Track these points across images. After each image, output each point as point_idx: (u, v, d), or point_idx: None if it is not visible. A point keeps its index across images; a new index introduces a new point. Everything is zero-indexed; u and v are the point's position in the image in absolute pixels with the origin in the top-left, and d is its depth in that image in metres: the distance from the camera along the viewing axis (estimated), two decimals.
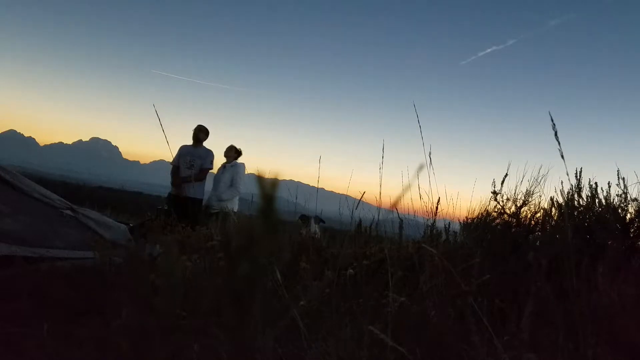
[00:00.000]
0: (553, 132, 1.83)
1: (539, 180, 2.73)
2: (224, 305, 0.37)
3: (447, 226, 2.87)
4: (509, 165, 2.73)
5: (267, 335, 1.18)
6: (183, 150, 6.04)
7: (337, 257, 2.40)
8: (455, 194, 2.94)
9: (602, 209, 2.30)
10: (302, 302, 1.43)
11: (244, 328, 0.37)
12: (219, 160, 6.30)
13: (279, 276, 1.47)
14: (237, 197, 6.19)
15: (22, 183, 3.29)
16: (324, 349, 1.37)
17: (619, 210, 2.28)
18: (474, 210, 2.92)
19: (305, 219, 6.37)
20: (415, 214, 2.81)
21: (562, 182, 2.51)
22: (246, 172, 6.27)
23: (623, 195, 2.32)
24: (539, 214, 2.66)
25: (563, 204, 2.43)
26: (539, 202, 2.71)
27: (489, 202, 2.80)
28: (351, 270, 2.03)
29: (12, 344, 1.77)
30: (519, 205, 2.73)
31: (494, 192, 2.75)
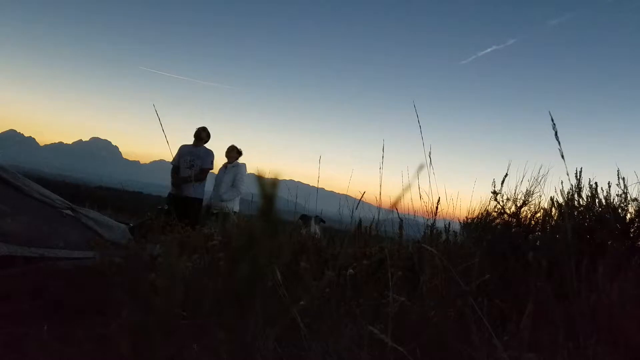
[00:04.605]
0: (553, 132, 1.83)
1: (539, 180, 2.73)
2: (224, 305, 0.37)
3: (447, 226, 2.86)
4: (509, 165, 2.73)
5: (267, 335, 1.18)
6: (183, 150, 6.04)
7: (337, 257, 2.40)
8: (455, 194, 2.94)
9: (602, 209, 2.30)
10: (302, 302, 1.43)
11: (244, 328, 0.37)
12: (219, 160, 6.31)
13: (279, 276, 1.47)
14: (239, 198, 6.19)
15: (22, 183, 3.29)
16: (324, 349, 1.37)
17: (619, 210, 2.28)
18: (474, 210, 2.93)
19: (305, 219, 6.37)
20: (415, 214, 2.81)
21: (562, 182, 2.51)
22: (247, 172, 6.27)
23: (623, 195, 2.32)
24: (539, 214, 2.65)
25: (563, 204, 2.42)
26: (539, 202, 2.71)
27: (489, 202, 2.80)
28: (351, 270, 2.03)
29: (12, 344, 1.77)
30: (519, 205, 2.73)
31: (494, 192, 2.75)
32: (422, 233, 2.84)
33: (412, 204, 2.75)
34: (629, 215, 2.29)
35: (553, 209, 2.51)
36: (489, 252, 2.24)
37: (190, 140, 6.17)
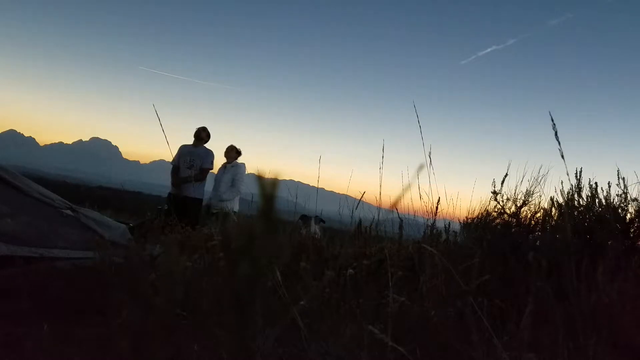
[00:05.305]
0: (553, 132, 1.84)
1: (539, 180, 2.73)
2: (224, 305, 0.37)
3: (447, 226, 2.86)
4: (509, 165, 2.73)
5: (267, 335, 1.18)
6: (183, 150, 6.04)
7: (337, 257, 2.40)
8: (455, 194, 2.94)
9: (602, 209, 2.30)
10: (302, 302, 1.43)
11: (244, 328, 0.37)
12: (219, 160, 6.31)
13: (279, 276, 1.47)
14: (238, 197, 6.19)
15: (22, 183, 3.29)
16: (324, 349, 1.37)
17: (619, 210, 2.28)
18: (474, 210, 2.92)
19: (305, 219, 6.36)
20: (415, 214, 2.81)
21: (562, 182, 2.51)
22: (246, 172, 6.28)
23: (623, 195, 2.32)
24: (539, 214, 2.65)
25: (563, 204, 2.42)
26: (539, 202, 2.71)
27: (489, 202, 2.80)
28: (351, 270, 2.03)
29: (12, 344, 1.77)
30: (519, 205, 2.73)
31: (494, 192, 2.75)
32: (422, 233, 2.84)
33: (412, 204, 2.75)
34: (629, 215, 2.29)
35: (553, 209, 2.50)
36: (489, 252, 2.24)
37: (190, 140, 6.17)
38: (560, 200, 2.48)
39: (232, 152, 6.34)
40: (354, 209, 2.65)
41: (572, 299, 1.48)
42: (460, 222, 2.96)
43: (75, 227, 3.43)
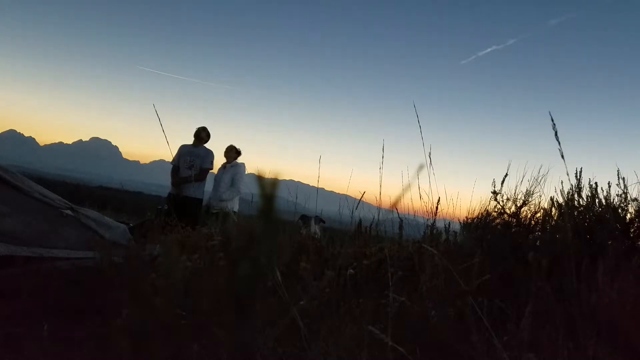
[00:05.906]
0: (553, 132, 1.84)
1: (539, 180, 2.73)
2: (224, 305, 0.37)
3: (447, 226, 2.87)
4: (509, 165, 2.73)
5: (267, 335, 1.18)
6: (183, 150, 6.05)
7: (337, 257, 2.40)
8: (455, 194, 2.94)
9: (602, 209, 2.30)
10: (302, 302, 1.43)
11: (244, 328, 0.37)
12: (219, 160, 6.32)
13: (279, 276, 1.47)
14: (238, 197, 6.20)
15: (22, 183, 3.29)
16: (324, 349, 1.37)
17: (619, 210, 2.28)
18: (474, 210, 2.92)
19: (305, 219, 6.37)
20: (415, 214, 2.82)
21: (562, 182, 2.51)
22: (246, 172, 6.28)
23: (623, 195, 2.32)
24: (539, 214, 2.65)
25: (563, 204, 2.42)
26: (539, 202, 2.71)
27: (489, 202, 2.80)
28: (351, 270, 2.03)
29: (12, 344, 1.77)
30: (519, 205, 2.73)
31: (494, 192, 2.75)
32: (422, 233, 2.84)
33: (412, 204, 2.75)
34: (629, 215, 2.29)
35: (553, 209, 2.50)
36: (489, 252, 2.24)
37: (190, 140, 6.17)
38: (560, 200, 2.48)
39: (232, 152, 6.35)
40: (354, 209, 2.65)
41: (572, 299, 1.48)
42: (460, 222, 2.96)
43: (75, 227, 3.43)
